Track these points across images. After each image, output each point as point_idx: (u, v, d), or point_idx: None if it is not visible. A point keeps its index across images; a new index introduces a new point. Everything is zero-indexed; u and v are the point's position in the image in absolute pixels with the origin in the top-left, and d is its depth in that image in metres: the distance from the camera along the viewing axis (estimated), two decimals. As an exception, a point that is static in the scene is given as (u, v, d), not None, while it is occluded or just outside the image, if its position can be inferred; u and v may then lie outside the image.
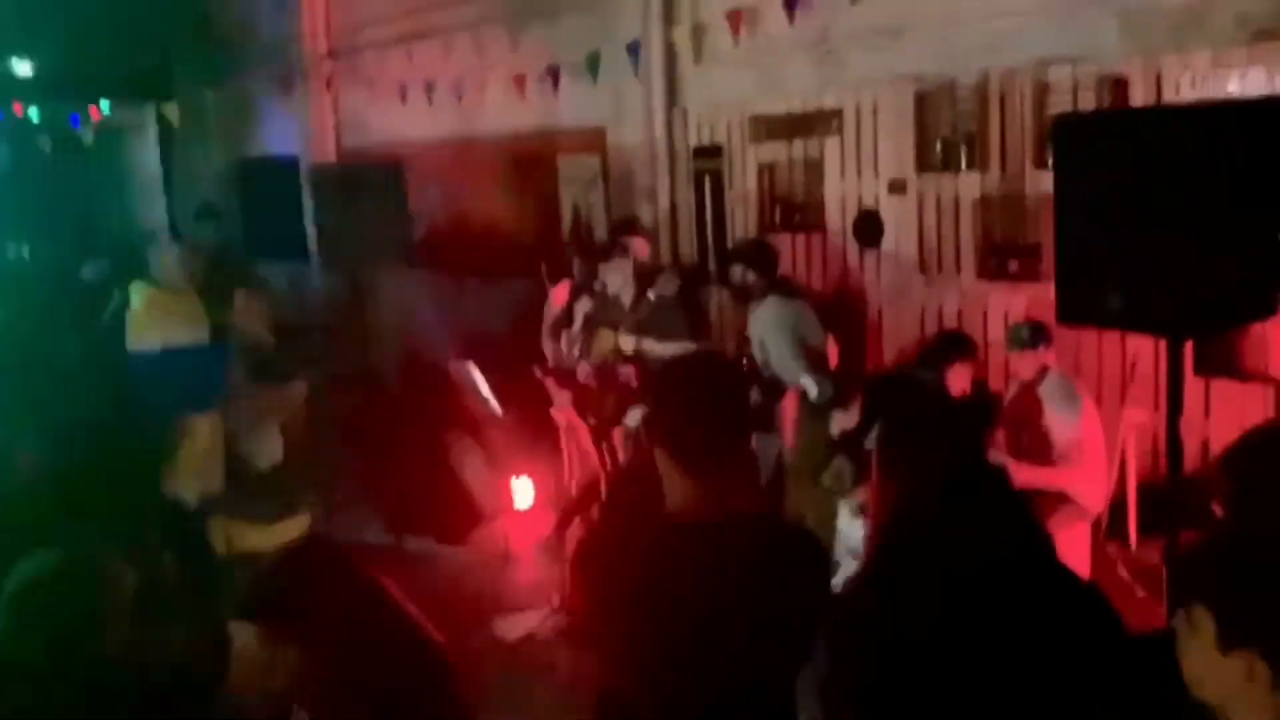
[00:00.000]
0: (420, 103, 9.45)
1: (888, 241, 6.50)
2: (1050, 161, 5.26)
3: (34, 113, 12.25)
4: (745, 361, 5.18)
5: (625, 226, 6.84)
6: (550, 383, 5.69)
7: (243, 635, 2.03)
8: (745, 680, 1.98)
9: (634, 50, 7.40)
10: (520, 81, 8.40)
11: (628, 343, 5.42)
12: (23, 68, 11.67)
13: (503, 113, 8.92)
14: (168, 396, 5.33)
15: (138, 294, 5.48)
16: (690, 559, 1.96)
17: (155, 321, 5.39)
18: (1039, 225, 5.67)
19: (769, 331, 5.19)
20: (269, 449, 4.34)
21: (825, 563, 2.26)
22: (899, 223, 6.44)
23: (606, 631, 2.07)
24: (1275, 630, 1.20)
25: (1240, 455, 2.45)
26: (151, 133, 13.79)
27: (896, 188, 6.41)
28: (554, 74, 8.10)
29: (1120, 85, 5.37)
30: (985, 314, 6.05)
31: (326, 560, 2.19)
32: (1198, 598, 1.28)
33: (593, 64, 7.68)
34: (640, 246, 6.46)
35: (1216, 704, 1.26)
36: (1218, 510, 2.45)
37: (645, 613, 1.96)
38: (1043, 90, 5.68)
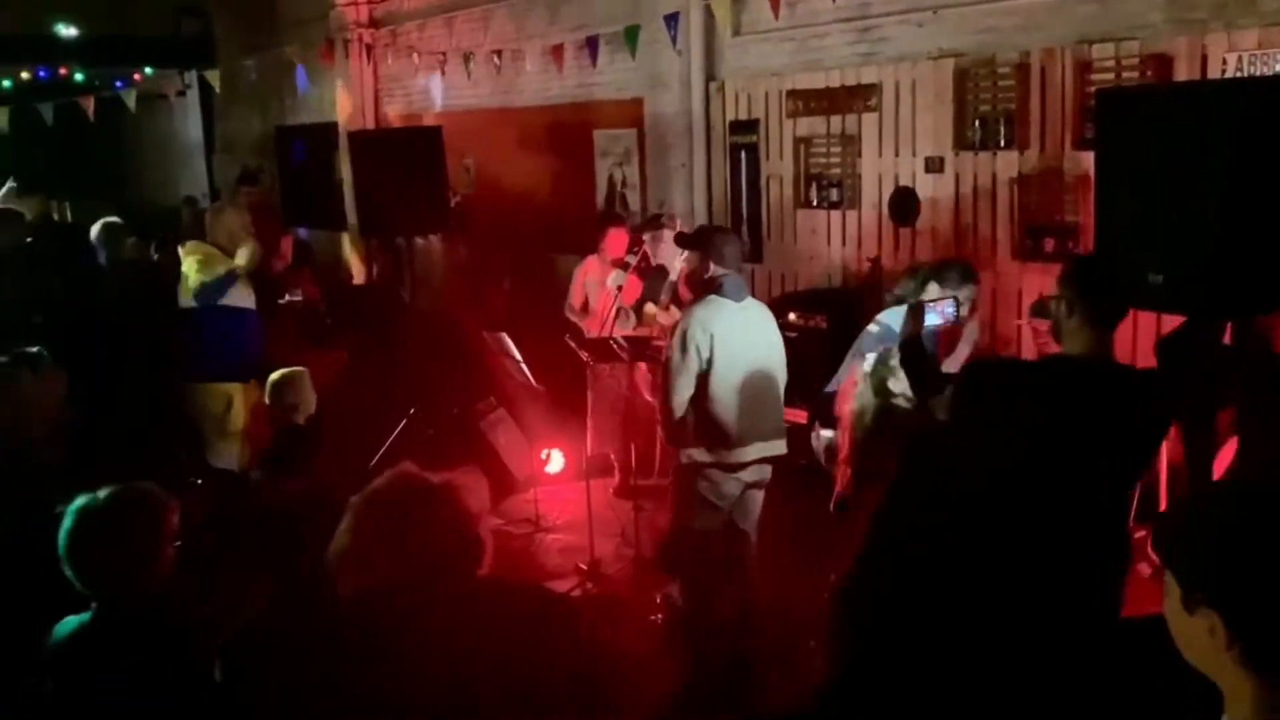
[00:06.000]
0: (459, 72, 9.48)
1: (923, 219, 6.48)
2: (1091, 138, 5.24)
3: (79, 76, 12.41)
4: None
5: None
6: (583, 353, 5.73)
7: None
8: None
9: (672, 22, 7.39)
10: (558, 52, 8.41)
11: (666, 317, 5.47)
12: (69, 31, 11.80)
13: (540, 83, 8.94)
14: (215, 357, 5.48)
15: (190, 254, 5.59)
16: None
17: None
18: (1077, 205, 5.63)
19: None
20: (305, 403, 4.42)
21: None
22: (935, 201, 6.40)
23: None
24: (1228, 588, 1.28)
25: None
26: (194, 98, 13.93)
27: (934, 165, 6.38)
28: (592, 45, 8.10)
29: (1164, 64, 5.31)
30: (1020, 294, 6.01)
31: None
32: (1165, 562, 1.36)
33: (631, 35, 7.67)
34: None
35: (1197, 664, 1.34)
36: None
37: None
38: (1084, 68, 5.63)
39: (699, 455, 4.42)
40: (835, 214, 7.02)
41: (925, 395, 3.51)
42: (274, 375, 4.59)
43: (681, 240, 4.83)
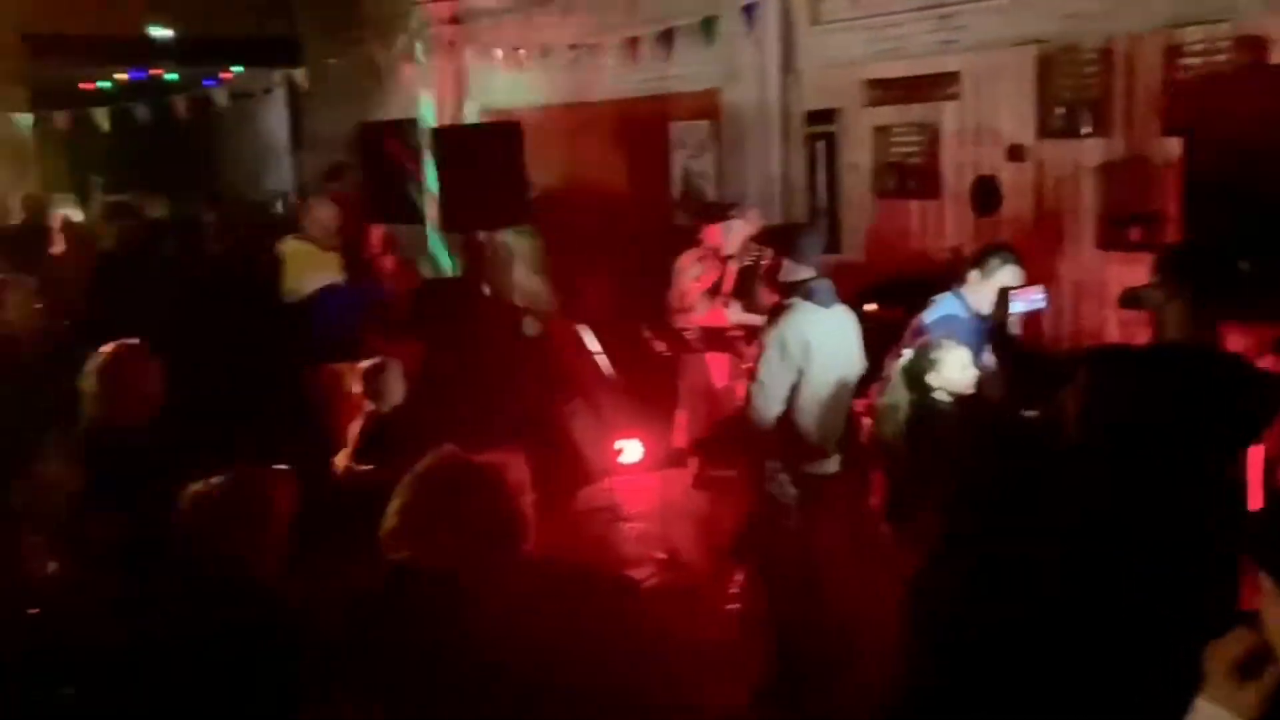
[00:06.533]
0: (537, 67, 9.56)
1: (1005, 209, 6.37)
2: (1179, 124, 5.12)
3: (172, 76, 12.79)
4: None
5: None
6: (659, 344, 5.78)
7: None
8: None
9: (749, 12, 7.36)
10: (635, 45, 8.44)
11: (735, 310, 5.47)
12: (163, 33, 12.16)
13: (617, 76, 8.98)
14: (318, 341, 5.71)
15: (289, 248, 5.85)
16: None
17: (305, 273, 5.75)
18: (1163, 193, 5.49)
19: None
20: (392, 392, 4.56)
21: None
22: (1017, 190, 6.30)
23: None
24: None
25: None
26: (281, 97, 14.24)
27: (1016, 154, 6.27)
28: (668, 37, 8.11)
29: (1258, 46, 5.14)
30: (1105, 284, 5.89)
31: None
32: (1259, 561, 1.33)
33: (707, 26, 7.66)
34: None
35: None
36: None
37: None
38: (1173, 52, 5.48)
39: (777, 466, 4.24)
40: (915, 204, 6.94)
41: (1018, 381, 3.45)
42: (363, 364, 4.73)
43: (761, 237, 4.77)
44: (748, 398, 4.19)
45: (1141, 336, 4.92)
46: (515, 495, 2.07)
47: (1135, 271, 5.70)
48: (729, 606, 5.09)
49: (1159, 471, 2.84)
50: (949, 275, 6.48)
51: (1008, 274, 4.45)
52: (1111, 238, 5.88)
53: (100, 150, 13.49)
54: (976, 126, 6.48)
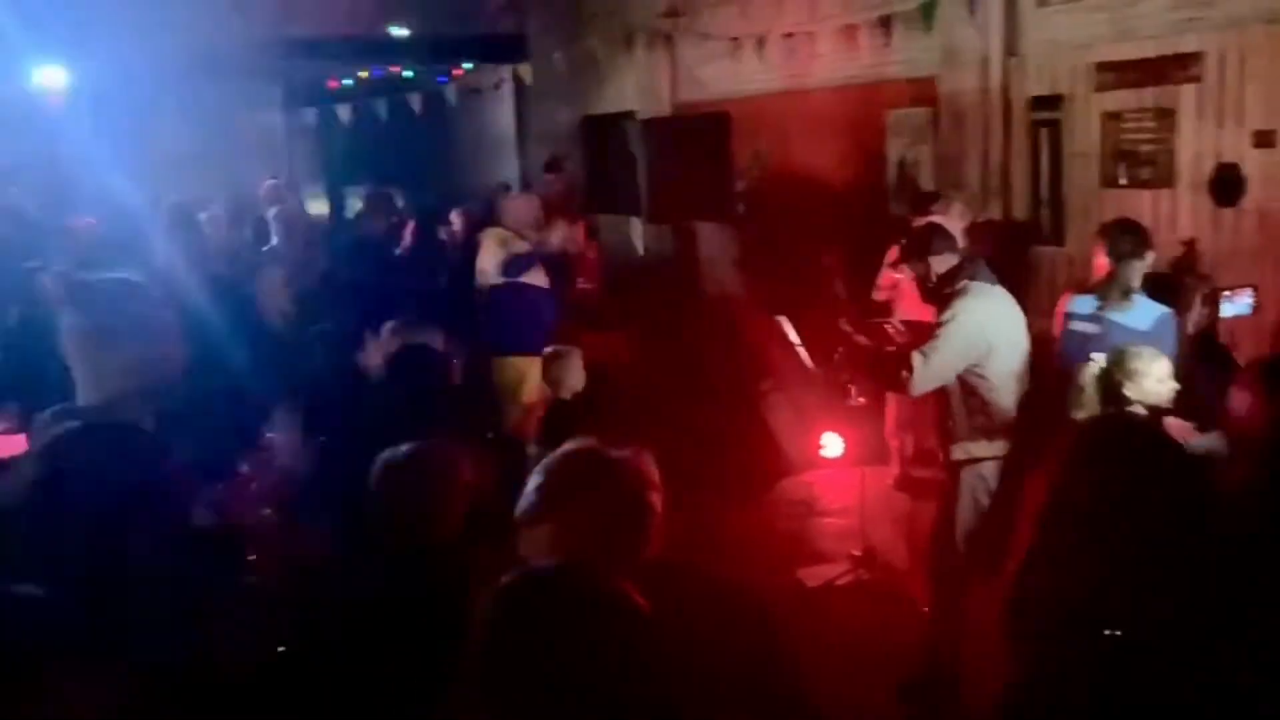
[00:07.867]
0: (752, 57, 9.53)
1: (1250, 199, 5.89)
2: None
3: (408, 74, 13.53)
4: None
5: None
6: (859, 337, 5.64)
7: None
8: None
9: (972, -5, 7.09)
10: (852, 32, 8.28)
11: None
12: (401, 32, 12.86)
13: (832, 64, 8.84)
14: (508, 332, 5.93)
15: (488, 238, 6.10)
16: None
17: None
18: None
19: None
20: (571, 380, 4.67)
21: None
22: (1265, 178, 5.80)
23: None
24: None
25: None
26: (508, 91, 14.79)
27: (1264, 140, 5.77)
28: (886, 23, 7.92)
29: None
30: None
31: None
32: None
33: (927, 11, 7.43)
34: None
35: None
36: None
37: None
38: None
39: (979, 450, 4.12)
40: (1147, 194, 6.50)
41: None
42: (545, 351, 4.88)
43: (896, 262, 4.62)
44: (911, 367, 4.07)
45: None
46: (648, 494, 2.03)
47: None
48: (924, 608, 4.94)
49: None
50: (1181, 270, 6.09)
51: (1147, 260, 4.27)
52: (1375, 231, 5.33)
53: (343, 144, 14.43)
54: (1219, 111, 6.01)
